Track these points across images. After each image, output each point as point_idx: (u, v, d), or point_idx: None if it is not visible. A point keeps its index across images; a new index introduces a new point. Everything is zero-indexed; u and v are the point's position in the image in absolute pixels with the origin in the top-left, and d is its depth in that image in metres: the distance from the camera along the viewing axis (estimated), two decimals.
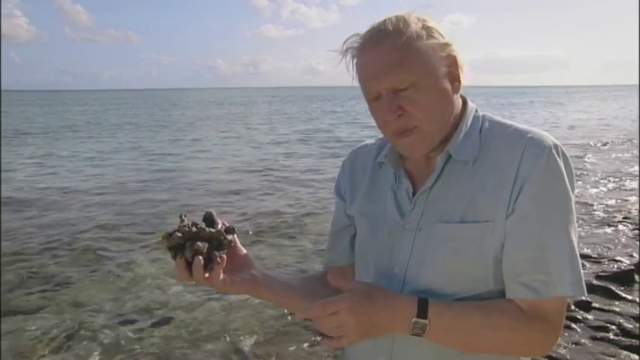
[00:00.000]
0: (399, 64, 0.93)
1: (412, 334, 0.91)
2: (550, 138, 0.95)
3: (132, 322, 3.91)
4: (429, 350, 0.98)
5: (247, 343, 3.58)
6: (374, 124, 1.02)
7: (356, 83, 1.03)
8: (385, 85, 0.95)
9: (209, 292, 4.41)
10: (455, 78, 0.98)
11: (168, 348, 3.54)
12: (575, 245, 0.92)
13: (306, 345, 3.54)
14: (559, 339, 3.00)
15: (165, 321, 3.92)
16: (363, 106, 1.05)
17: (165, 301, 4.26)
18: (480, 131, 1.00)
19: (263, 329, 3.78)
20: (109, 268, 5.09)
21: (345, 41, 1.00)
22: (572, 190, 0.94)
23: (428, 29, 0.96)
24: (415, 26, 0.94)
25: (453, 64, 0.97)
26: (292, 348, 3.51)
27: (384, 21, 0.97)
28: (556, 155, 0.93)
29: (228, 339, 3.65)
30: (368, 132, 17.89)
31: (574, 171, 0.95)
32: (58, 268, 5.07)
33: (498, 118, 1.04)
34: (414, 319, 0.90)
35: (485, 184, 0.95)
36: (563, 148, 0.94)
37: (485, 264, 0.94)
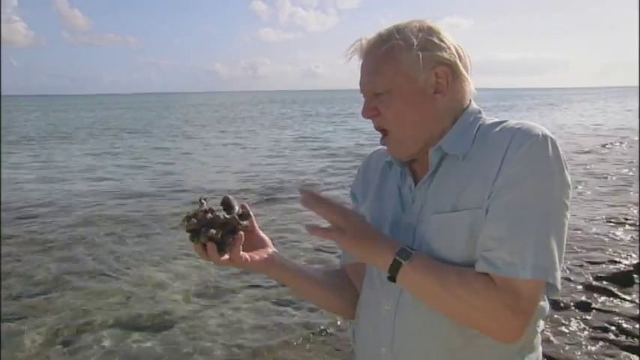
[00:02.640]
0: (375, 72, 1.04)
1: (390, 269, 0.95)
2: (540, 128, 0.96)
3: (132, 327, 3.91)
4: (428, 342, 1.01)
5: (247, 347, 3.59)
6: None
7: (355, 86, 1.12)
8: (365, 90, 1.07)
9: (208, 298, 4.42)
10: (440, 89, 1.03)
11: (168, 353, 3.54)
12: (550, 232, 0.91)
13: (306, 349, 3.55)
14: (557, 339, 2.97)
15: (165, 326, 3.92)
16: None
17: (166, 307, 4.26)
18: (477, 130, 1.04)
19: (263, 332, 3.78)
20: (109, 273, 5.09)
21: (351, 46, 1.09)
22: (562, 181, 0.94)
23: (421, 40, 1.01)
24: (404, 37, 1.01)
25: (441, 75, 1.02)
26: (292, 351, 3.52)
27: (379, 32, 1.06)
28: (541, 143, 0.94)
29: (227, 343, 3.65)
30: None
31: (565, 164, 0.95)
32: (57, 273, 5.07)
33: (498, 119, 1.07)
34: (401, 246, 0.95)
35: (476, 174, 0.98)
36: (553, 139, 0.95)
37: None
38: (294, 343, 3.60)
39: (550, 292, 0.95)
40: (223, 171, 11.73)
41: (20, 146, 17.79)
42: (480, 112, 1.08)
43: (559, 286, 0.92)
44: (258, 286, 4.57)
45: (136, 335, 3.77)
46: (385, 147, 1.13)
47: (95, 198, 8.79)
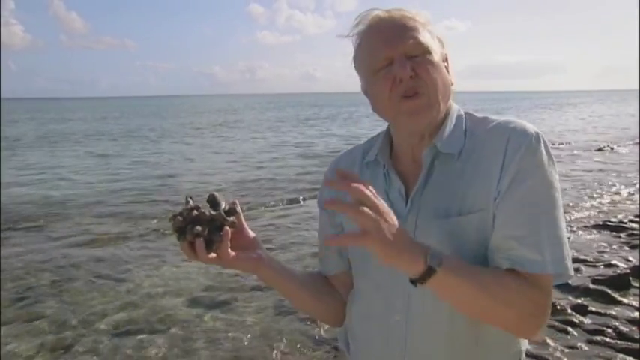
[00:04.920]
0: (415, 30, 0.99)
1: (421, 276, 0.85)
2: (532, 127, 0.99)
3: (131, 332, 3.90)
4: (442, 350, 1.01)
5: (246, 354, 3.58)
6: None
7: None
8: (400, 50, 0.98)
9: (207, 303, 4.41)
10: (450, 73, 1.05)
11: (167, 358, 3.53)
12: (561, 225, 0.95)
13: (305, 353, 3.54)
14: (554, 341, 2.98)
15: (164, 331, 3.91)
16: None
17: (164, 312, 4.25)
18: (465, 127, 1.05)
19: (262, 339, 3.78)
20: (107, 277, 5.08)
21: (358, 17, 1.04)
22: (556, 175, 0.97)
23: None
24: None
25: (447, 60, 1.05)
26: (291, 356, 3.52)
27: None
28: (536, 142, 0.97)
29: (226, 349, 3.64)
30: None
31: (555, 160, 0.99)
32: (55, 277, 5.06)
33: (481, 115, 1.08)
34: (430, 250, 0.86)
35: (476, 176, 0.98)
36: (544, 137, 0.98)
37: (485, 253, 0.97)
38: (294, 351, 3.59)
39: (564, 279, 0.97)
40: (221, 175, 11.72)
41: (17, 150, 17.73)
42: (459, 109, 1.09)
43: (572, 274, 0.95)
44: (258, 292, 4.55)
45: (134, 340, 3.76)
46: (360, 148, 1.13)
47: (93, 201, 8.77)
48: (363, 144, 1.19)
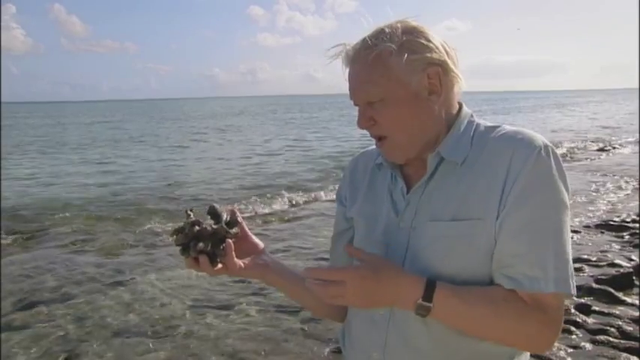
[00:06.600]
0: (368, 81, 1.00)
1: (415, 314, 0.94)
2: (540, 138, 0.97)
3: (135, 337, 3.89)
4: (421, 347, 1.01)
5: (250, 355, 3.58)
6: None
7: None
8: (358, 99, 1.03)
9: (210, 307, 4.40)
10: (434, 90, 1.01)
11: None
12: (565, 242, 0.93)
13: (309, 354, 3.54)
14: (558, 342, 2.96)
15: (168, 335, 3.90)
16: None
17: (168, 316, 4.24)
18: (473, 135, 1.04)
19: (265, 341, 3.77)
20: (109, 282, 5.08)
21: (333, 48, 1.05)
22: (566, 189, 0.95)
23: (409, 43, 0.98)
24: (391, 41, 0.97)
25: (433, 76, 1.00)
26: (295, 357, 3.52)
27: (364, 38, 1.01)
28: (545, 155, 0.95)
29: (228, 353, 3.63)
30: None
31: (565, 170, 0.97)
32: (59, 284, 5.05)
33: (492, 123, 1.07)
34: (418, 302, 0.92)
35: (477, 184, 0.97)
36: (553, 148, 0.96)
37: (478, 261, 0.96)
38: (298, 352, 3.58)
39: (565, 297, 0.97)
40: (224, 178, 11.73)
41: (18, 153, 17.77)
42: (472, 115, 1.08)
43: (574, 293, 0.93)
44: (260, 295, 4.55)
45: (138, 345, 3.75)
46: (377, 148, 1.12)
47: (95, 206, 8.77)
48: None
